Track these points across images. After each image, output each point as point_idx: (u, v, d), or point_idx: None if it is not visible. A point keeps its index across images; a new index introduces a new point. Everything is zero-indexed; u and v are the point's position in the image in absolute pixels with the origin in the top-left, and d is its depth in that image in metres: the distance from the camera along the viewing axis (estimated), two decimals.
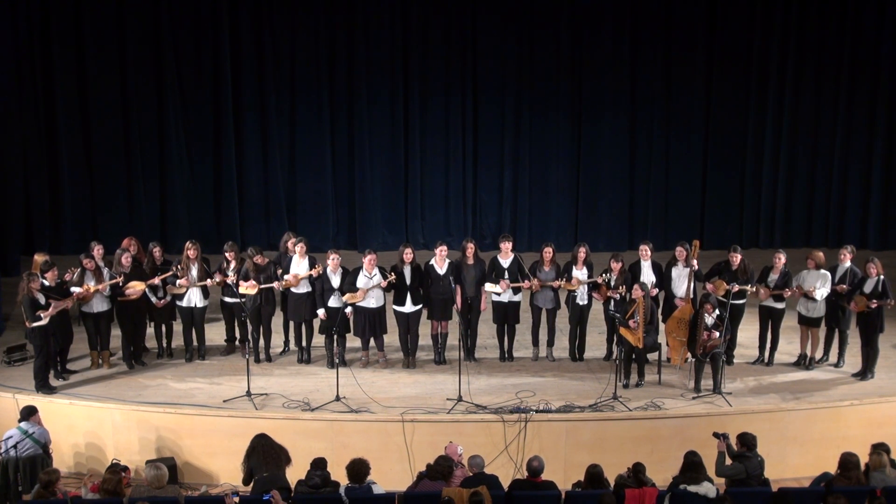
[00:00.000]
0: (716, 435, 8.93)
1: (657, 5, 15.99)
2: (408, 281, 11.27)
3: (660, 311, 11.45)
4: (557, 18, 15.98)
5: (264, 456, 8.76)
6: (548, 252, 11.42)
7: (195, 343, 11.74)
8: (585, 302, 11.51)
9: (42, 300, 10.46)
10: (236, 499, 8.26)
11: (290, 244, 11.70)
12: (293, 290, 11.37)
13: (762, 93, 16.21)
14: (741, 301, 11.28)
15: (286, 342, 11.99)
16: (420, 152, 16.33)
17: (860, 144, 16.39)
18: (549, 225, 16.53)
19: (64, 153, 15.71)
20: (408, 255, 11.26)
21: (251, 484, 8.71)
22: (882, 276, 10.88)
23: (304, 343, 11.67)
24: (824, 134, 16.40)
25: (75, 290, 10.97)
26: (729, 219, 16.64)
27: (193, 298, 11.52)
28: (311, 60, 15.96)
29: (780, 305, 11.35)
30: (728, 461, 8.77)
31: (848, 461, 8.48)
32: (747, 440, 8.78)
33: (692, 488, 8.19)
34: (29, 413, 9.58)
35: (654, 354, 11.15)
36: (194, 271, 11.44)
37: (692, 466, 8.36)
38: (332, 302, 11.22)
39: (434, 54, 16.06)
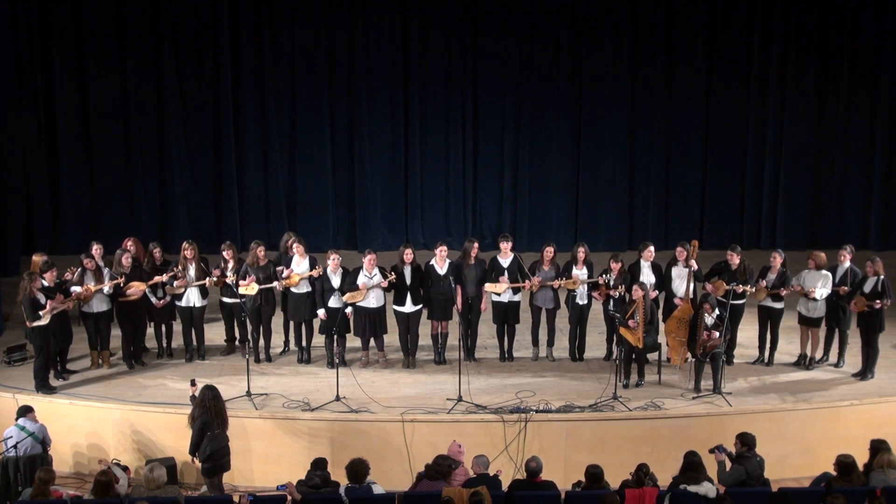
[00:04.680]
0: (711, 451, 8.87)
1: (657, 5, 16.00)
2: (408, 281, 11.27)
3: (660, 311, 11.45)
4: (557, 18, 15.98)
5: (214, 411, 9.05)
6: (549, 252, 11.41)
7: (195, 343, 11.74)
8: (585, 302, 11.50)
9: (42, 300, 10.46)
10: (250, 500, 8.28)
11: (290, 244, 11.69)
12: (293, 290, 11.37)
13: (762, 93, 16.21)
14: (741, 301, 11.28)
15: (286, 342, 11.99)
16: (420, 152, 16.33)
17: (860, 144, 16.40)
18: (549, 225, 16.54)
19: (64, 153, 15.73)
20: (408, 255, 11.26)
21: (199, 446, 9.07)
22: (882, 276, 10.88)
23: (304, 343, 11.67)
24: (825, 134, 16.40)
25: (75, 289, 10.97)
26: (729, 219, 16.64)
27: (192, 298, 11.51)
28: (311, 60, 15.96)
29: (778, 305, 11.35)
30: (728, 466, 8.75)
31: (845, 464, 8.45)
32: (748, 439, 8.77)
33: (692, 488, 8.19)
34: (25, 411, 9.59)
35: (654, 354, 11.15)
36: (192, 271, 11.43)
37: (692, 466, 8.36)
38: (333, 302, 11.21)
39: (434, 54, 16.07)
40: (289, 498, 8.33)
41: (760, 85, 16.18)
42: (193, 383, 9.57)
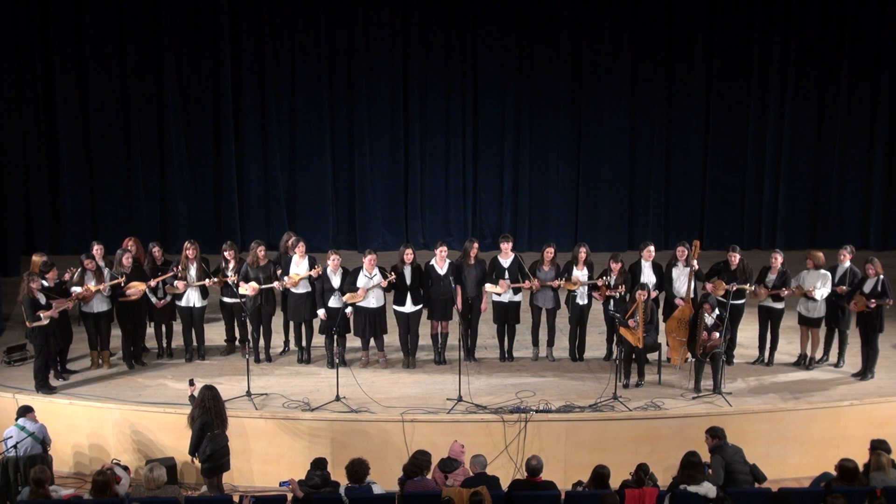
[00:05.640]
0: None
1: (657, 5, 16.00)
2: (408, 281, 11.27)
3: (660, 311, 11.45)
4: (557, 18, 16.00)
5: (214, 411, 9.06)
6: (549, 252, 11.41)
7: (195, 343, 11.74)
8: (585, 302, 11.50)
9: (42, 300, 10.46)
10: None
11: (289, 244, 11.70)
12: (293, 290, 11.36)
13: (762, 93, 16.22)
14: (741, 301, 11.28)
15: (286, 342, 11.99)
16: (420, 152, 16.34)
17: (860, 144, 16.41)
18: (549, 225, 16.55)
19: (64, 153, 15.74)
20: (408, 255, 11.26)
21: (199, 447, 9.08)
22: (882, 276, 10.88)
23: (304, 343, 11.67)
24: (825, 134, 16.41)
25: (75, 289, 10.97)
26: (729, 219, 16.65)
27: (192, 298, 11.51)
28: (311, 60, 15.97)
29: (778, 305, 11.35)
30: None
31: (847, 468, 8.45)
32: (716, 432, 8.99)
33: (692, 488, 8.20)
34: (25, 411, 9.59)
35: (654, 354, 11.15)
36: (193, 271, 11.43)
37: (692, 466, 8.36)
38: (333, 302, 11.21)
39: (434, 54, 16.08)
40: (289, 497, 8.33)
41: (760, 85, 16.19)
42: (192, 383, 9.57)
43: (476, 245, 11.53)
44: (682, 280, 11.24)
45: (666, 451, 9.84)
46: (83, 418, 10.41)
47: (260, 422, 10.15)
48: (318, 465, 8.69)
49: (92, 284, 11.01)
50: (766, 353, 11.58)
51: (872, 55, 16.04)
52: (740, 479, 8.77)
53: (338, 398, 10.46)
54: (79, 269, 11.11)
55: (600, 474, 8.37)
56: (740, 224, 16.67)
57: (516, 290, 11.47)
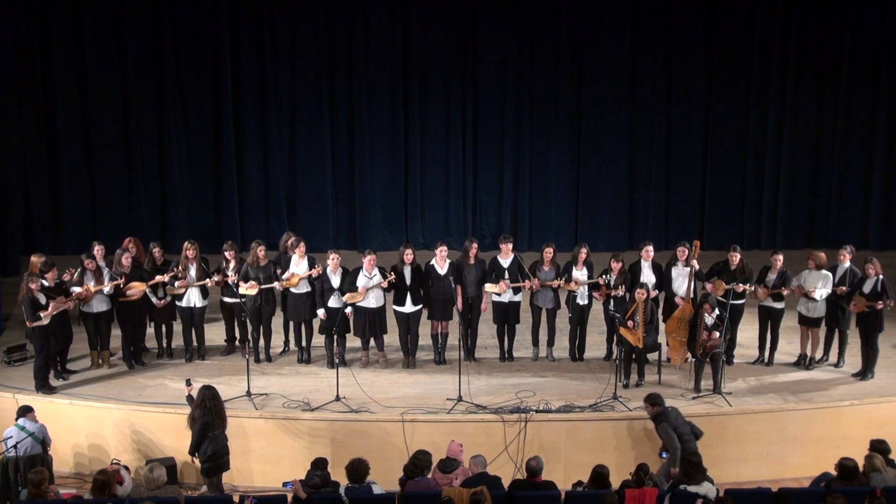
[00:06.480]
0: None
1: (657, 5, 16.01)
2: (408, 281, 11.27)
3: (660, 311, 11.45)
4: (557, 18, 16.01)
5: (214, 411, 9.07)
6: (548, 252, 11.42)
7: (195, 343, 11.74)
8: (585, 302, 11.50)
9: (42, 300, 10.46)
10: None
11: (289, 244, 11.70)
12: (293, 290, 11.37)
13: (762, 93, 16.23)
14: (741, 301, 11.29)
15: (286, 342, 11.99)
16: (420, 152, 16.34)
17: (860, 144, 16.43)
18: (549, 225, 16.55)
19: (64, 153, 15.74)
20: (408, 255, 11.26)
21: (200, 447, 9.10)
22: (881, 276, 10.88)
23: (304, 343, 11.67)
24: (825, 134, 16.43)
25: (75, 289, 10.97)
26: (729, 219, 16.65)
27: (192, 298, 11.51)
28: (311, 61, 15.98)
29: (779, 305, 11.35)
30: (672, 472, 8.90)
31: (847, 467, 8.45)
32: (653, 399, 9.39)
33: (692, 488, 8.20)
34: (25, 411, 9.58)
35: (654, 354, 11.15)
36: (193, 271, 11.43)
37: (692, 466, 8.37)
38: (332, 302, 11.22)
39: (434, 54, 16.09)
40: (289, 497, 8.33)
41: (760, 85, 16.20)
42: (189, 383, 9.54)
43: (476, 245, 11.54)
44: (681, 280, 11.25)
45: None
46: (83, 418, 10.40)
47: (260, 422, 10.15)
48: (319, 465, 8.68)
49: (92, 284, 11.02)
50: (766, 353, 11.58)
51: (872, 55, 16.06)
52: (684, 439, 9.19)
53: (338, 398, 10.46)
54: (78, 269, 11.12)
55: (600, 474, 8.37)
56: (740, 224, 16.68)
57: (516, 290, 11.47)
